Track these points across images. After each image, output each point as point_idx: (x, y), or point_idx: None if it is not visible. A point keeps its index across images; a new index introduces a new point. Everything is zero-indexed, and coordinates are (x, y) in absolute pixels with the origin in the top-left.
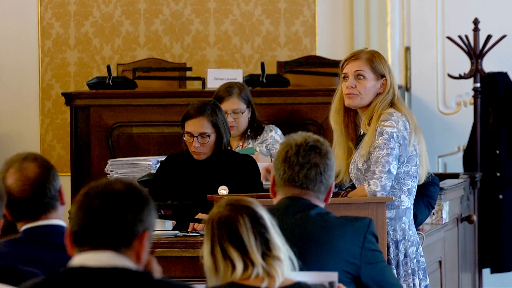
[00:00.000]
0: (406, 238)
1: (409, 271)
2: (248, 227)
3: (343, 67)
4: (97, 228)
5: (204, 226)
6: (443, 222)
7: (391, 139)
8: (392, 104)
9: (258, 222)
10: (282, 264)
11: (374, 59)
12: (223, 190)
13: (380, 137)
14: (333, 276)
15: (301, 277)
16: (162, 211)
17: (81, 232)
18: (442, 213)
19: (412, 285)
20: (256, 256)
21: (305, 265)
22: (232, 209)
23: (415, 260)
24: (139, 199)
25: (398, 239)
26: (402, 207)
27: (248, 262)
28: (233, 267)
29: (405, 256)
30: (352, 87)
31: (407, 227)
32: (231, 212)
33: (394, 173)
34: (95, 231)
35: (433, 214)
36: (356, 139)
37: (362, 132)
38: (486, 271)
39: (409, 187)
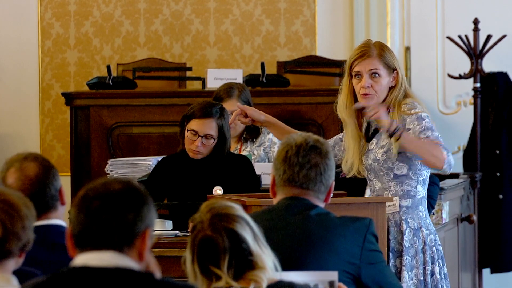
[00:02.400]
0: (424, 226)
1: (428, 258)
2: (227, 253)
3: (353, 65)
4: (99, 229)
5: None
6: (443, 222)
7: (430, 121)
8: (405, 95)
9: (240, 247)
10: (266, 272)
11: (384, 54)
12: (218, 191)
13: (423, 121)
14: (333, 275)
15: (301, 277)
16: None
17: (83, 234)
18: (442, 213)
19: (430, 272)
20: (230, 281)
21: (305, 265)
22: (215, 231)
23: (434, 248)
24: (138, 198)
25: (416, 227)
26: (418, 197)
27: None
28: (209, 281)
29: (425, 243)
30: (368, 87)
31: (424, 215)
32: (213, 233)
33: None
34: (97, 232)
35: (433, 214)
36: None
37: (373, 125)
38: (486, 271)
39: (424, 177)
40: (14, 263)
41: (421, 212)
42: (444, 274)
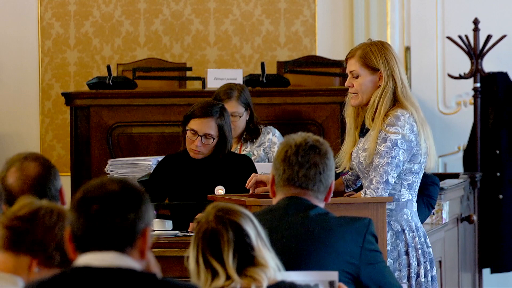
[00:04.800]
0: (409, 228)
1: (412, 261)
2: (231, 245)
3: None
4: (100, 232)
5: None
6: (443, 222)
7: (395, 147)
8: (396, 99)
9: (243, 240)
10: (267, 270)
11: (366, 54)
12: (220, 190)
13: (383, 144)
14: (333, 275)
15: (301, 277)
16: (155, 211)
17: (85, 238)
18: (442, 213)
19: (414, 275)
20: (233, 273)
21: (304, 265)
22: (220, 223)
23: (420, 250)
24: (136, 197)
25: (399, 230)
26: (403, 200)
27: (229, 275)
28: (213, 276)
29: (408, 245)
30: (350, 87)
31: (409, 218)
32: (218, 226)
33: (392, 182)
34: (99, 235)
35: (433, 214)
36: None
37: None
38: (486, 271)
39: (410, 182)
40: (26, 266)
41: (405, 215)
42: (432, 276)
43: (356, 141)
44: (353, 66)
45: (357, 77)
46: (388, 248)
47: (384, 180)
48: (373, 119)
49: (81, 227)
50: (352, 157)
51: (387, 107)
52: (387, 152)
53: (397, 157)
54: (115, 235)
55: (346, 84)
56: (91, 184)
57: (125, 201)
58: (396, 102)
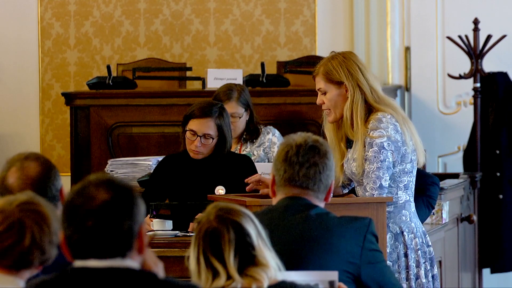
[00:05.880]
0: (408, 230)
1: (411, 262)
2: (232, 244)
3: None
4: (98, 244)
5: None
6: (443, 222)
7: (382, 150)
8: (369, 105)
9: (244, 240)
10: (268, 270)
11: (328, 70)
12: (220, 190)
13: (370, 149)
14: (333, 275)
15: (302, 277)
16: (154, 212)
17: (82, 249)
18: (442, 213)
19: (413, 276)
20: (234, 273)
21: (305, 265)
22: (221, 223)
23: (419, 251)
24: (128, 200)
25: (398, 232)
26: (400, 202)
27: (230, 275)
28: (214, 276)
29: (407, 247)
30: (321, 104)
31: (408, 219)
32: (218, 225)
33: (386, 185)
34: (97, 247)
35: (433, 214)
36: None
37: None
38: (486, 271)
39: (406, 183)
40: (30, 273)
41: (404, 217)
42: (433, 276)
43: (344, 154)
44: (319, 83)
45: (325, 93)
46: (388, 250)
47: (378, 185)
48: (353, 130)
49: (78, 241)
50: (344, 168)
51: (363, 116)
52: (375, 157)
53: (387, 160)
54: (114, 245)
55: (317, 102)
56: (79, 192)
57: (119, 209)
58: (372, 109)
